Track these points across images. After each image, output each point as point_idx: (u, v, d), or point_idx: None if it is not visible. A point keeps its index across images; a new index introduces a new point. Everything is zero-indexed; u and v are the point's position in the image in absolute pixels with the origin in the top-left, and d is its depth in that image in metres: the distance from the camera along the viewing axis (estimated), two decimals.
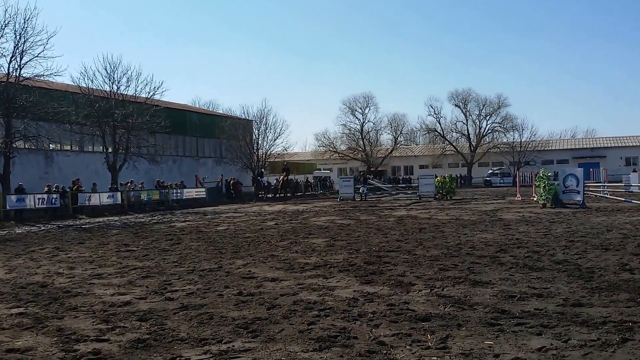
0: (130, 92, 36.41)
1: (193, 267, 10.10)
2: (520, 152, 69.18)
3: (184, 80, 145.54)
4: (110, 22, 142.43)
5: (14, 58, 27.88)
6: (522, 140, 71.00)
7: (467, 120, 75.34)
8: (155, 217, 26.07)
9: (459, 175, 63.77)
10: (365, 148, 74.61)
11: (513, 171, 62.29)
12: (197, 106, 77.00)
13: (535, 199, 26.48)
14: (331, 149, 74.84)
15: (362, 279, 8.36)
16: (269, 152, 50.89)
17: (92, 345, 5.38)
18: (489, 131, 74.83)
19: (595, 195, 30.02)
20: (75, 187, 30.38)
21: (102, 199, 31.22)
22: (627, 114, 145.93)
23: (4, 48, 27.90)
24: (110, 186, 33.34)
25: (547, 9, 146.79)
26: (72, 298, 7.70)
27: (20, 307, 7.23)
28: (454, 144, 75.01)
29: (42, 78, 28.63)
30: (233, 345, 5.23)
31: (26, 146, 31.91)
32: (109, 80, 35.58)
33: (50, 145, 35.94)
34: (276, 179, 47.52)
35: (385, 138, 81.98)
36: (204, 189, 41.64)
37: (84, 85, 34.80)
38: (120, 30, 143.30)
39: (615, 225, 15.24)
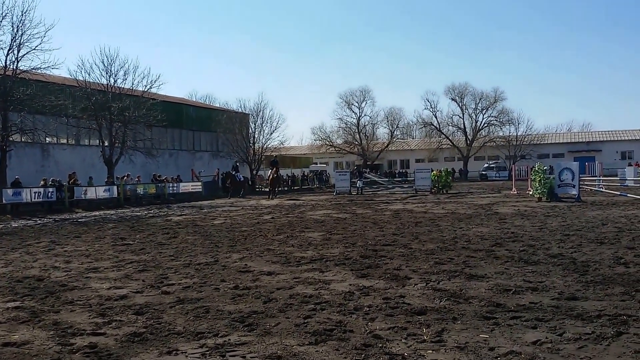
0: (127, 85, 36.38)
1: (189, 261, 10.10)
2: (516, 146, 69.42)
3: (180, 73, 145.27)
4: (107, 16, 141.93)
5: (11, 51, 27.78)
6: (518, 134, 71.25)
7: (463, 114, 75.38)
8: (152, 211, 26.03)
9: (455, 169, 63.80)
10: (361, 142, 74.52)
11: (509, 165, 62.52)
12: (194, 100, 76.84)
13: (530, 192, 26.53)
14: (327, 142, 74.69)
15: (358, 273, 8.38)
16: (265, 146, 50.87)
17: (89, 339, 5.38)
18: (485, 125, 74.79)
19: (591, 189, 30.10)
20: (72, 180, 30.33)
21: (98, 192, 31.17)
22: (622, 108, 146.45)
23: (1, 41, 28.03)
24: (106, 180, 33.28)
25: (543, 4, 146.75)
26: (69, 292, 7.70)
27: (16, 300, 7.23)
28: (450, 137, 75.07)
29: (39, 71, 28.50)
30: (229, 339, 5.24)
31: (23, 139, 31.76)
32: (106, 73, 35.57)
33: (47, 138, 35.90)
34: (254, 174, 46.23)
35: (382, 132, 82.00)
36: (200, 183, 41.64)
37: (81, 79, 34.73)
38: (118, 24, 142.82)
39: (610, 219, 15.30)
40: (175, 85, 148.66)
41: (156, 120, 36.33)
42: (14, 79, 27.89)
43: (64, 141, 38.69)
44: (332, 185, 46.25)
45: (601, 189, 29.49)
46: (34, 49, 27.80)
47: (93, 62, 36.84)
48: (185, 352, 4.94)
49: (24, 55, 27.96)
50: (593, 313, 5.74)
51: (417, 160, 76.97)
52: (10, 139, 29.10)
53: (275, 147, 53.05)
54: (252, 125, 51.07)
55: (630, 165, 48.71)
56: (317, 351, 4.85)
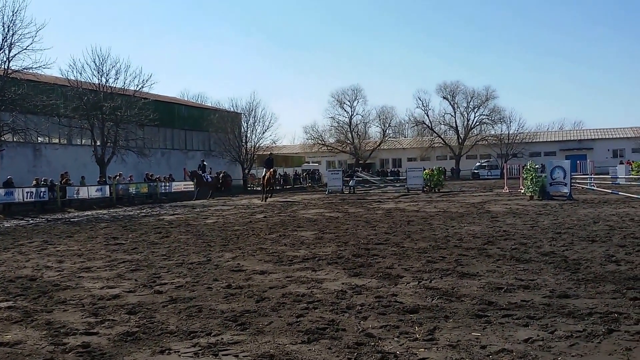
0: (119, 84, 36.30)
1: (182, 260, 10.10)
2: (508, 144, 69.44)
3: (172, 72, 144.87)
4: (98, 14, 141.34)
5: (2, 51, 27.62)
6: (510, 132, 71.25)
7: (455, 112, 75.33)
8: (144, 210, 25.98)
9: (447, 168, 63.87)
10: (353, 141, 74.43)
11: (501, 163, 62.59)
12: (186, 99, 76.67)
13: (522, 191, 26.59)
14: (320, 142, 74.60)
15: (350, 272, 8.39)
16: (257, 145, 50.80)
17: (81, 339, 5.38)
18: (477, 123, 74.80)
19: (582, 187, 30.22)
20: (64, 180, 30.25)
21: (90, 192, 31.11)
22: (614, 106, 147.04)
23: None
24: (98, 179, 33.22)
25: (537, 2, 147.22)
26: (61, 291, 7.68)
27: (9, 300, 7.21)
28: (442, 136, 75.10)
29: (30, 71, 28.40)
30: (222, 338, 5.25)
31: (15, 139, 31.65)
32: (98, 72, 35.49)
33: (39, 138, 35.78)
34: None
35: (374, 131, 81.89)
36: (192, 182, 41.45)
37: (73, 78, 34.63)
38: (109, 23, 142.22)
39: (601, 217, 15.36)
40: (167, 84, 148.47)
41: (148, 119, 36.28)
42: (6, 79, 27.73)
43: (56, 141, 38.57)
44: (325, 184, 46.22)
45: (593, 187, 29.61)
46: (25, 49, 27.67)
47: (85, 62, 36.75)
48: (178, 351, 4.95)
49: (15, 55, 27.84)
50: (584, 311, 5.77)
51: (409, 159, 76.94)
52: (2, 138, 28.99)
53: (268, 146, 52.95)
54: (245, 125, 50.99)
55: (621, 163, 48.82)
56: (309, 350, 4.86)
